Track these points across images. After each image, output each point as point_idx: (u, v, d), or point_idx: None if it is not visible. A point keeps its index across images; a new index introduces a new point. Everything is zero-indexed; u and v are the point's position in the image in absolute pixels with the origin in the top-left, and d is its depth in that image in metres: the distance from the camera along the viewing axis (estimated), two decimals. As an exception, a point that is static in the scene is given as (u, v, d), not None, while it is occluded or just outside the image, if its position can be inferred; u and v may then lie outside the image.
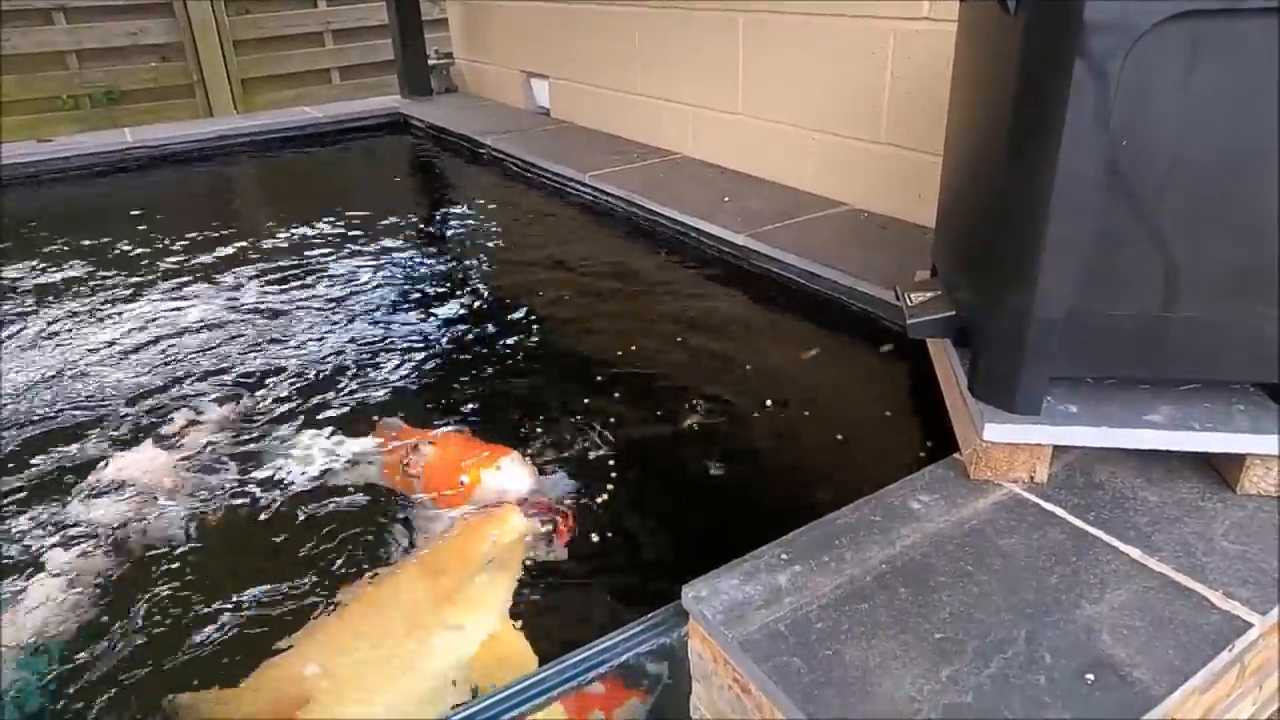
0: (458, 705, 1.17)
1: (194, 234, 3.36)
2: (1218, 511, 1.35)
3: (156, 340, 2.39)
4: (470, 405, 2.09)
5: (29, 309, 2.65)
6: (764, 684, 1.08)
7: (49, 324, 2.52)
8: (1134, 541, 1.29)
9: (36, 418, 1.99)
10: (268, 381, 2.14)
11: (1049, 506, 1.37)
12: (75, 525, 1.62)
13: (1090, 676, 1.06)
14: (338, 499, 1.68)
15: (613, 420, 1.98)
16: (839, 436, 1.90)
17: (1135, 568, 1.24)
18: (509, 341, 2.43)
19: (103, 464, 1.78)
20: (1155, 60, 1.16)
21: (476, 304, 2.73)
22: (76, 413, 2.01)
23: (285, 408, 2.02)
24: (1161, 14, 1.13)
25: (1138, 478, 1.43)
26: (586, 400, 2.07)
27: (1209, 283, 1.30)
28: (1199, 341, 1.35)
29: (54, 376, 2.16)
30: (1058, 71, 1.18)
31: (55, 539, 1.58)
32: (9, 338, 2.43)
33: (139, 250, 3.22)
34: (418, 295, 2.81)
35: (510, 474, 1.73)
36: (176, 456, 1.78)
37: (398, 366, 2.23)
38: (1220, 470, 1.43)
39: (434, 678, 1.32)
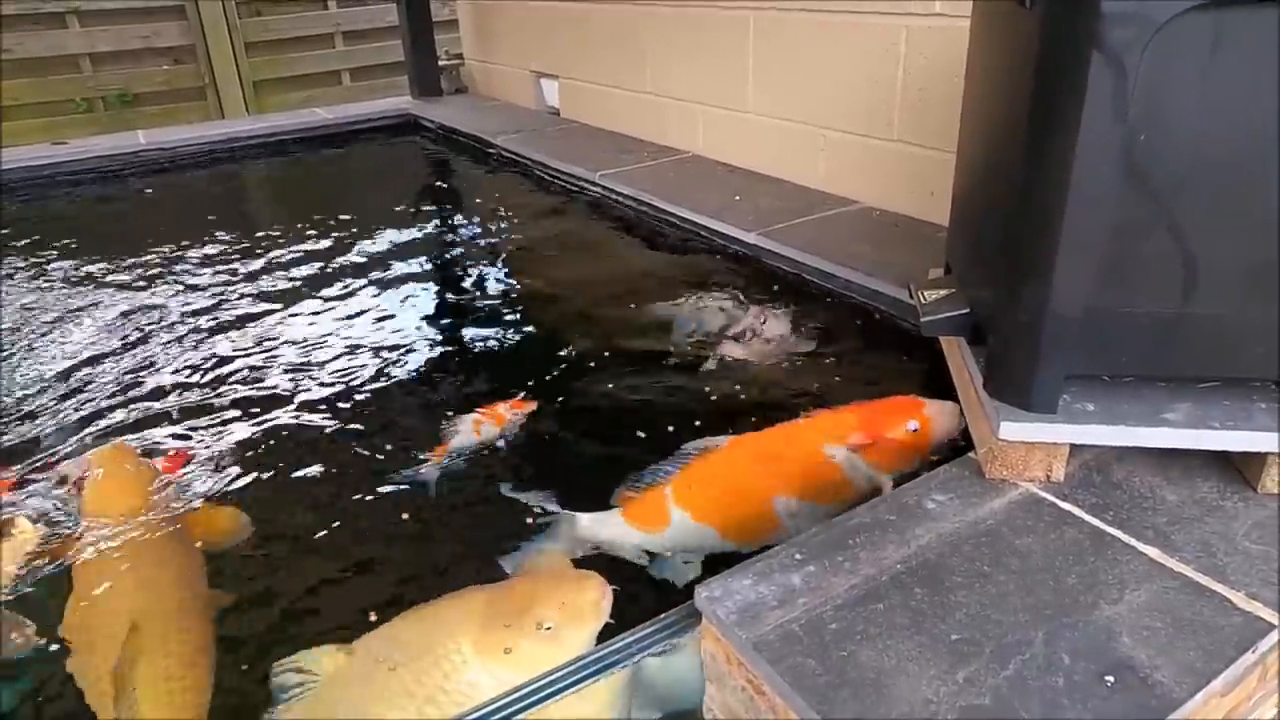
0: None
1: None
2: (1239, 511, 1.33)
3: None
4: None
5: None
6: (778, 685, 1.07)
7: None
8: (1153, 541, 1.27)
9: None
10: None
11: (1066, 506, 1.36)
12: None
13: (1110, 678, 1.04)
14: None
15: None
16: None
17: (1155, 568, 1.22)
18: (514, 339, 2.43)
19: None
20: (1175, 52, 1.14)
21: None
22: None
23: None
24: (1181, 5, 1.11)
25: (1156, 476, 1.42)
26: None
27: (1228, 278, 1.28)
28: (1218, 338, 1.33)
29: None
30: (1075, 64, 1.16)
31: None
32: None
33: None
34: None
35: (942, 409, 1.75)
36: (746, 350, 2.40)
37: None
38: (1241, 469, 1.41)
39: None
